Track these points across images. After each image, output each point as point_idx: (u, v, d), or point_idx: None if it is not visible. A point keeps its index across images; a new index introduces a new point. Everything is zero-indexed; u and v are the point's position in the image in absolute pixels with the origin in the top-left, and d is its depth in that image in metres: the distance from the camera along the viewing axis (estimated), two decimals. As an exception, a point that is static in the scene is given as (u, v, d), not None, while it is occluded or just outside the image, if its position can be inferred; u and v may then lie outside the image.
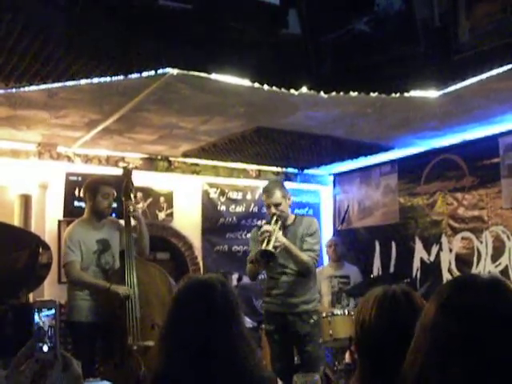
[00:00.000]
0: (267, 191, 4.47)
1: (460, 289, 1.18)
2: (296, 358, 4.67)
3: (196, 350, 1.72)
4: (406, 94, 4.00)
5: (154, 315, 4.43)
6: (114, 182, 5.04)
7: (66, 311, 4.77)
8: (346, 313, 5.34)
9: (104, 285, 4.44)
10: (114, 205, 5.52)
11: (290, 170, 7.49)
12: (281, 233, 4.30)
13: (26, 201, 5.78)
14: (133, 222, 4.72)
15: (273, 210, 4.39)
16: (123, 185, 4.78)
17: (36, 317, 1.49)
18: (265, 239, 4.17)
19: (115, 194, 4.85)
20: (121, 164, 6.29)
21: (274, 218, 4.35)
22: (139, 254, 4.79)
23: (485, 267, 5.66)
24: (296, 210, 7.65)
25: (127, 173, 4.84)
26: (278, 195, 4.40)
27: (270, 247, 4.12)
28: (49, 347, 1.47)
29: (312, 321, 4.43)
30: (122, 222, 4.79)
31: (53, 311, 1.49)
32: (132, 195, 4.77)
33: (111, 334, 4.46)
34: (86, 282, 4.53)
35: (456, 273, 5.92)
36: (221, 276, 1.89)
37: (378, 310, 1.78)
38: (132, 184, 4.79)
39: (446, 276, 6.01)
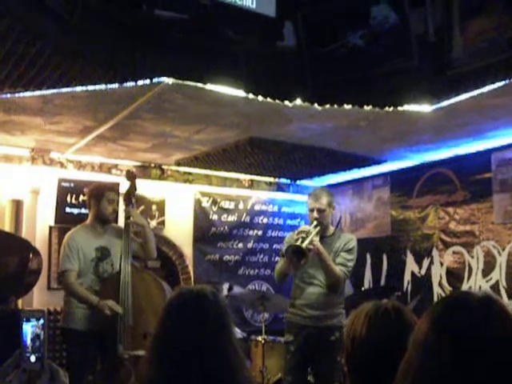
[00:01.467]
0: (314, 195, 4.39)
1: (452, 307, 1.19)
2: (309, 375, 4.54)
3: (186, 360, 1.71)
4: (399, 108, 4.02)
5: (147, 324, 4.37)
6: (117, 190, 5.04)
7: (61, 318, 4.74)
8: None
9: (92, 301, 4.37)
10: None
11: (283, 180, 7.50)
12: (318, 238, 4.20)
13: (17, 206, 5.75)
14: (135, 228, 4.69)
15: (315, 214, 4.30)
16: (126, 189, 4.75)
17: (24, 326, 1.48)
18: (300, 238, 4.10)
19: (118, 200, 4.85)
20: (114, 171, 6.30)
21: (315, 223, 4.27)
22: (145, 257, 4.77)
23: (476, 282, 5.66)
24: (288, 221, 7.69)
25: (131, 177, 4.79)
26: (324, 201, 4.33)
27: (304, 245, 4.04)
28: (36, 357, 1.46)
29: (333, 337, 4.26)
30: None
31: (41, 321, 1.49)
32: (134, 200, 4.73)
33: (104, 342, 4.43)
34: (76, 293, 4.46)
35: (447, 287, 5.94)
36: (212, 287, 1.89)
37: (369, 326, 1.78)
38: (135, 189, 4.76)
39: (437, 290, 6.03)
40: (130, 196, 4.69)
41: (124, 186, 4.94)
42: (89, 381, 4.43)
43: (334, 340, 4.26)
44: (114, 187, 5.04)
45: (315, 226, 4.25)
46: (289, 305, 4.54)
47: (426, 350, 1.15)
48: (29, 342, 1.47)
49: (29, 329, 1.48)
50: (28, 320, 1.49)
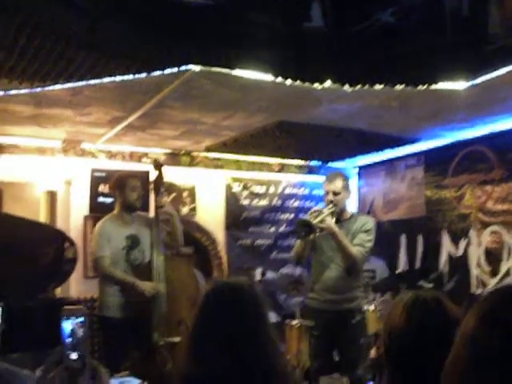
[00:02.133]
0: (329, 178, 4.45)
1: (502, 301, 1.14)
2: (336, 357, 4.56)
3: (223, 352, 1.70)
4: (433, 86, 3.92)
5: (181, 311, 4.42)
6: (139, 177, 5.07)
7: (97, 306, 4.80)
8: (372, 308, 5.28)
9: (130, 281, 4.44)
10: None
11: (314, 162, 7.43)
12: (333, 220, 4.23)
13: (51, 197, 5.84)
14: (164, 216, 4.71)
15: (330, 196, 4.34)
16: (154, 179, 4.76)
17: (64, 324, 1.48)
18: (312, 216, 4.16)
19: (143, 190, 4.86)
20: (144, 160, 6.31)
21: (330, 206, 4.30)
22: (173, 245, 4.80)
23: (515, 262, 5.54)
24: (319, 204, 7.62)
25: (158, 166, 4.81)
26: (338, 184, 4.37)
27: (314, 221, 4.08)
28: (78, 355, 1.46)
29: (354, 321, 4.30)
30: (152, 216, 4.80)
31: (81, 319, 1.48)
32: (163, 189, 4.74)
33: (139, 329, 4.47)
34: (114, 277, 4.55)
35: (485, 268, 5.81)
36: (248, 280, 1.86)
37: (408, 318, 1.73)
38: (162, 178, 4.78)
39: (475, 271, 5.91)
40: (159, 185, 4.71)
41: (153, 175, 4.95)
42: (126, 367, 4.48)
43: (355, 323, 4.31)
44: (137, 174, 5.07)
45: (329, 208, 4.29)
46: (309, 290, 4.58)
47: (475, 345, 1.12)
48: (69, 339, 1.46)
49: (69, 327, 1.47)
50: (68, 318, 1.48)
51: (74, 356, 1.46)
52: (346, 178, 4.48)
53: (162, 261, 4.47)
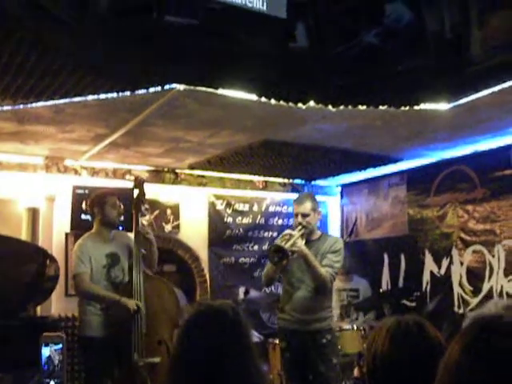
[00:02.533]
0: (298, 200, 4.49)
1: (485, 331, 1.14)
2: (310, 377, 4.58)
3: (207, 377, 1.67)
4: (415, 107, 3.95)
5: (161, 331, 4.39)
6: (120, 194, 5.04)
7: (77, 326, 4.74)
8: (355, 328, 5.27)
9: (114, 297, 4.39)
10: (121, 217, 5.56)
11: (297, 181, 7.44)
12: (302, 242, 4.27)
13: (33, 214, 5.77)
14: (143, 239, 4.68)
15: (299, 219, 4.37)
16: (135, 196, 4.72)
17: (43, 351, 1.45)
18: (284, 240, 4.18)
19: (121, 205, 4.82)
20: (127, 177, 6.27)
21: (299, 227, 4.34)
22: (148, 267, 4.75)
23: (497, 281, 5.55)
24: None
25: (139, 184, 4.78)
26: (307, 206, 4.40)
27: (286, 246, 4.10)
28: (56, 382, 1.43)
29: (324, 340, 4.33)
30: (131, 234, 4.76)
31: (60, 346, 1.45)
32: (143, 207, 4.71)
33: (119, 349, 4.42)
34: (95, 294, 4.48)
35: (467, 287, 5.84)
36: (232, 303, 1.84)
37: (391, 343, 1.74)
38: (144, 195, 4.74)
39: (457, 290, 5.93)
40: (140, 203, 4.67)
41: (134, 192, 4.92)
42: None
43: (325, 343, 4.33)
44: (116, 192, 5.03)
45: (299, 230, 4.32)
46: (278, 311, 4.60)
47: (459, 375, 1.11)
48: (48, 367, 1.44)
49: (48, 353, 1.44)
50: (47, 345, 1.45)
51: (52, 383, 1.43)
52: (314, 200, 4.52)
53: (141, 280, 4.43)
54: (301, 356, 4.37)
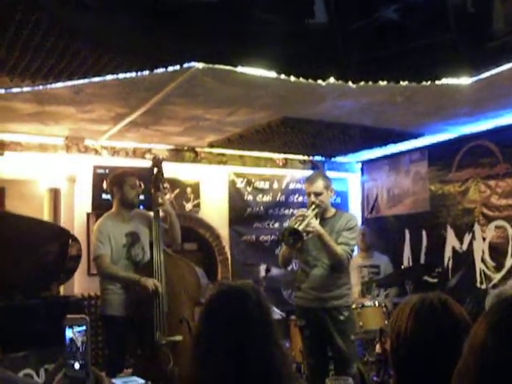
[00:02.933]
0: (309, 180, 4.47)
1: (511, 311, 1.13)
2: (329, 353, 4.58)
3: (229, 358, 1.69)
4: (437, 82, 3.89)
5: (182, 309, 4.41)
6: (139, 174, 5.06)
7: (99, 305, 4.79)
8: (377, 304, 5.27)
9: (134, 277, 4.43)
10: (142, 196, 5.59)
11: (317, 158, 7.42)
12: (317, 221, 4.24)
13: (55, 194, 5.83)
14: (162, 214, 4.69)
15: (312, 198, 4.36)
16: (153, 175, 4.73)
17: (67, 333, 1.46)
18: (297, 222, 4.14)
19: (141, 184, 4.84)
20: (147, 156, 6.30)
21: (313, 207, 4.31)
22: (171, 244, 4.77)
23: (520, 257, 5.53)
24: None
25: (157, 163, 4.76)
26: (319, 184, 4.38)
27: (300, 227, 4.07)
28: (80, 365, 1.44)
29: (342, 317, 4.34)
30: (151, 213, 4.78)
31: (83, 327, 1.46)
32: (162, 186, 4.70)
33: (142, 327, 4.46)
34: (115, 275, 4.52)
35: (490, 262, 5.80)
36: (253, 283, 1.85)
37: (415, 322, 1.73)
38: (162, 174, 4.72)
39: (479, 266, 5.90)
40: (158, 182, 4.67)
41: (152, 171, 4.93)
42: (128, 366, 4.49)
43: (343, 320, 4.34)
44: (135, 172, 5.04)
45: (313, 210, 4.29)
46: (296, 289, 4.60)
47: (485, 354, 1.10)
48: (72, 348, 1.46)
49: (72, 335, 1.46)
50: (71, 327, 1.47)
51: (76, 366, 1.44)
52: (326, 178, 4.50)
53: (162, 258, 4.44)
54: (319, 333, 4.38)
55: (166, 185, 5.04)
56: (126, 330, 4.51)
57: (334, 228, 4.38)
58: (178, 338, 4.24)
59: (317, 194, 4.36)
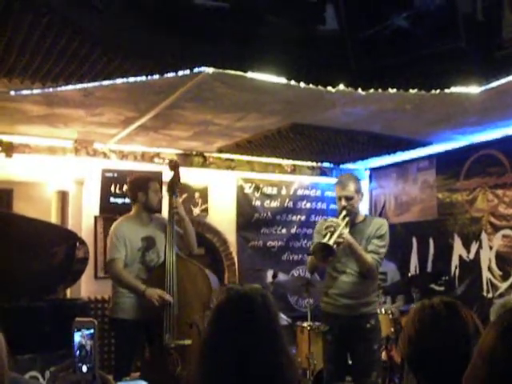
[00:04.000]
0: (341, 183, 4.27)
1: None
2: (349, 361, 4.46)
3: (236, 363, 1.69)
4: (446, 91, 3.89)
5: (193, 314, 4.39)
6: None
7: (109, 308, 4.79)
8: (383, 311, 5.26)
9: (140, 289, 4.40)
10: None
11: (326, 164, 7.42)
12: (347, 230, 4.09)
13: (63, 197, 5.85)
14: (176, 218, 4.68)
15: (343, 202, 4.18)
16: (170, 179, 4.72)
17: (76, 336, 1.47)
18: (328, 233, 3.97)
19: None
20: (156, 160, 6.31)
21: (344, 213, 4.15)
22: (186, 249, 4.76)
23: (527, 266, 5.51)
24: (331, 206, 7.61)
25: (174, 167, 4.72)
26: (351, 188, 4.20)
27: (331, 242, 3.92)
28: (88, 368, 1.45)
29: (369, 325, 4.19)
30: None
31: (91, 331, 1.47)
32: (177, 190, 4.70)
33: (151, 330, 4.46)
34: (124, 281, 4.50)
35: (496, 271, 5.79)
36: (261, 288, 1.85)
37: (420, 325, 1.75)
38: (179, 179, 4.69)
39: (486, 274, 5.89)
40: (174, 186, 4.66)
41: (167, 175, 4.92)
42: (136, 369, 4.49)
43: (369, 328, 4.20)
44: (156, 176, 5.03)
45: (343, 217, 4.13)
46: (322, 294, 4.46)
47: (494, 361, 1.10)
48: (80, 352, 1.46)
49: (80, 339, 1.47)
50: (79, 330, 1.48)
51: (84, 369, 1.45)
52: (357, 181, 4.34)
53: (174, 262, 4.44)
54: (342, 340, 4.26)
55: (179, 189, 5.01)
56: (136, 334, 4.51)
57: (364, 234, 4.23)
58: (188, 341, 4.22)
59: (348, 199, 4.18)
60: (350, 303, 4.21)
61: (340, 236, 3.97)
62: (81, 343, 1.47)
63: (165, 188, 4.77)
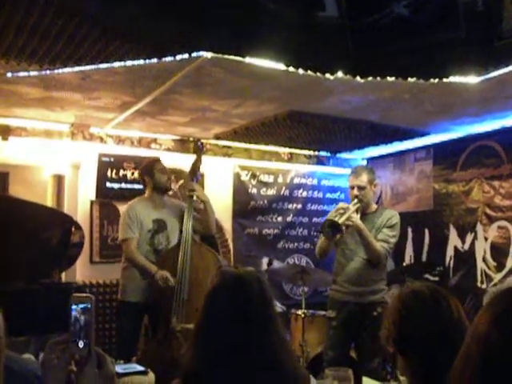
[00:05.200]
0: (355, 172, 4.41)
1: None
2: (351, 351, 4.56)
3: (230, 347, 1.69)
4: (445, 80, 3.88)
5: (202, 299, 4.38)
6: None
7: (120, 290, 4.80)
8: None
9: (151, 270, 4.43)
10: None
11: (323, 153, 7.41)
12: (358, 216, 4.20)
13: (58, 181, 5.82)
14: (197, 204, 4.69)
15: (355, 191, 4.31)
16: (192, 162, 4.72)
17: (72, 311, 1.46)
18: (338, 215, 4.11)
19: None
20: (152, 146, 6.29)
21: (355, 201, 4.27)
22: (205, 231, 4.82)
23: (521, 257, 5.53)
24: (327, 195, 7.62)
25: (197, 149, 4.76)
26: (364, 178, 4.33)
27: (340, 220, 4.05)
28: (84, 343, 1.44)
29: (375, 313, 4.26)
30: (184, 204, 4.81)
31: (88, 305, 1.46)
32: (199, 173, 4.71)
33: (158, 312, 4.48)
34: (137, 262, 4.54)
35: (491, 262, 5.81)
36: (256, 272, 1.85)
37: (404, 308, 1.78)
38: (201, 162, 4.73)
39: (481, 265, 5.90)
40: (196, 169, 4.67)
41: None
42: (141, 350, 4.51)
43: (376, 315, 4.25)
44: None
45: (355, 204, 4.25)
46: (331, 281, 4.54)
47: (487, 346, 1.10)
48: (76, 326, 1.45)
49: (76, 314, 1.46)
50: (76, 305, 1.47)
51: (80, 344, 1.45)
52: (371, 172, 4.45)
53: (190, 246, 4.44)
54: (347, 326, 4.32)
55: (201, 172, 4.99)
56: (141, 317, 4.55)
57: (375, 224, 4.32)
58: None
59: (360, 188, 4.31)
60: (359, 290, 4.30)
61: (349, 219, 4.09)
62: (76, 318, 1.46)
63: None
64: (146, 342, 4.61)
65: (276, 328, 1.76)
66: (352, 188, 4.36)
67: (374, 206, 4.47)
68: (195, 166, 4.68)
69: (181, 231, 4.59)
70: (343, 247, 4.38)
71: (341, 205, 4.26)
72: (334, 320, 4.38)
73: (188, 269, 4.40)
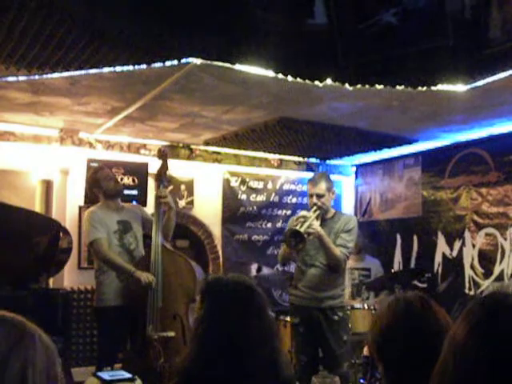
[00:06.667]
0: (312, 181, 4.46)
1: (492, 312, 1.13)
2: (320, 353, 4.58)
3: (225, 353, 1.70)
4: (432, 88, 3.91)
5: (177, 306, 4.36)
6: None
7: (95, 298, 4.75)
8: (366, 307, 5.29)
9: (129, 269, 4.40)
10: (135, 191, 5.60)
11: (312, 160, 7.42)
12: (318, 223, 4.26)
13: (47, 186, 5.80)
14: (163, 208, 4.65)
15: (314, 199, 4.37)
16: (158, 168, 4.69)
17: None
18: (298, 223, 4.15)
19: (115, 174, 5.06)
20: (142, 151, 6.29)
21: (314, 208, 4.33)
22: (163, 236, 4.77)
23: (508, 264, 5.57)
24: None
25: (162, 155, 4.73)
26: (322, 186, 4.38)
27: (302, 229, 4.08)
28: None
29: (336, 317, 4.35)
30: (141, 207, 4.80)
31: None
32: (165, 179, 4.67)
33: (134, 320, 4.44)
34: (113, 261, 4.48)
35: (479, 269, 5.84)
36: (247, 277, 1.87)
37: (393, 316, 1.76)
38: (167, 168, 4.70)
39: (469, 272, 5.94)
40: (162, 175, 4.65)
41: (154, 166, 4.93)
42: (119, 359, 4.47)
43: (337, 320, 4.36)
44: (110, 164, 5.17)
45: (314, 211, 4.31)
46: (291, 288, 4.62)
47: (463, 356, 1.11)
48: None
49: None
50: None
51: None
52: (329, 180, 4.50)
53: (160, 253, 4.42)
54: (312, 332, 4.40)
55: (169, 178, 5.00)
56: (119, 322, 4.49)
57: (333, 229, 4.40)
58: (171, 334, 4.21)
59: (319, 196, 4.37)
60: (318, 295, 4.37)
61: (310, 226, 4.13)
62: None
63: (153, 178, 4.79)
64: (124, 352, 4.55)
65: (269, 330, 1.78)
66: (311, 196, 4.42)
67: (332, 211, 4.53)
68: (160, 172, 4.67)
69: (149, 237, 4.58)
70: (303, 254, 4.45)
71: (301, 213, 4.30)
72: (300, 326, 4.46)
73: (160, 276, 4.38)
